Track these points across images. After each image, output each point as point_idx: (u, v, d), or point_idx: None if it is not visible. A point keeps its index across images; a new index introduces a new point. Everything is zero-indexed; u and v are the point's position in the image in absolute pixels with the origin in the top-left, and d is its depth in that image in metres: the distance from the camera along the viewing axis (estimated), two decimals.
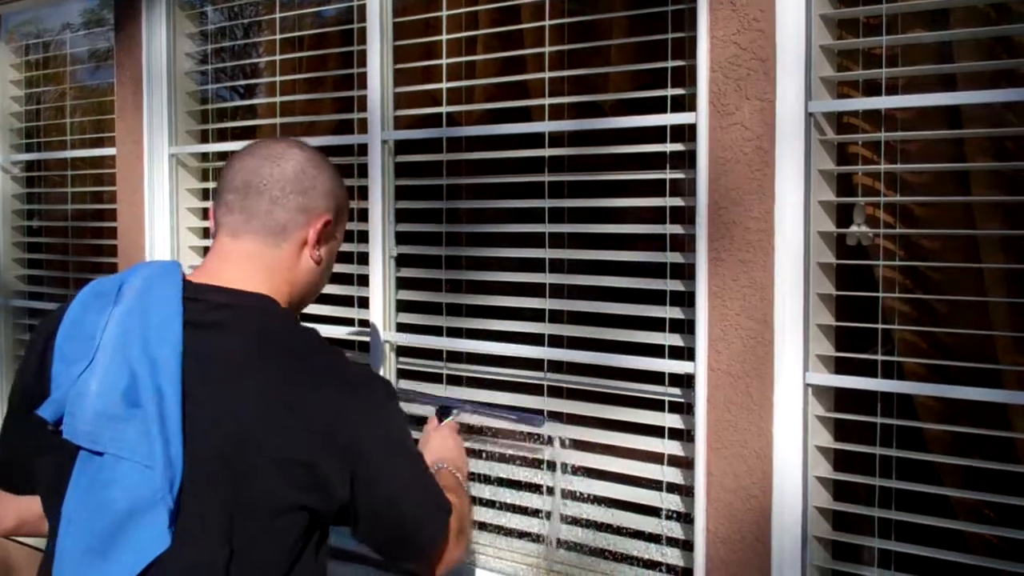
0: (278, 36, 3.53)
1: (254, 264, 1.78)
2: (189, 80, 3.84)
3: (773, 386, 2.42)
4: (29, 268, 4.69)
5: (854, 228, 2.45)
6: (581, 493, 2.87)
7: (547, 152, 2.87)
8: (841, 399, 2.48)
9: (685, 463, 2.66)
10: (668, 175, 2.64)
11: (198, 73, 3.84)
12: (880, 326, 2.36)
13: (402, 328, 3.20)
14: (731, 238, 2.46)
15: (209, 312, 1.69)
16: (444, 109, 3.10)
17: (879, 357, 2.37)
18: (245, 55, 3.78)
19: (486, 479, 3.06)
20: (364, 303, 3.22)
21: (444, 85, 3.08)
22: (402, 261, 3.20)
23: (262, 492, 1.60)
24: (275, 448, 1.60)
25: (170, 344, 1.62)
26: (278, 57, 3.52)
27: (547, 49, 2.89)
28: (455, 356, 3.14)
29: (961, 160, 2.42)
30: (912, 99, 2.32)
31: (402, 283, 3.21)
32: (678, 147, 2.62)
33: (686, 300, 2.62)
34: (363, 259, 3.22)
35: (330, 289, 3.37)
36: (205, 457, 1.59)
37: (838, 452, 2.47)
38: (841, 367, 2.45)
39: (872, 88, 2.44)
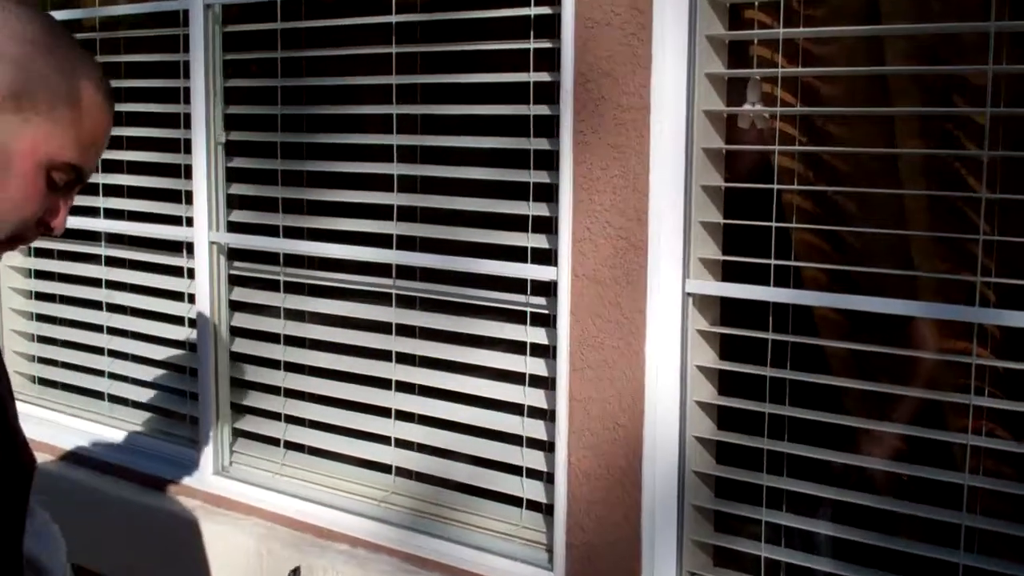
0: None
1: None
2: None
3: (646, 296, 2.03)
4: None
5: (747, 107, 2.05)
6: (432, 417, 2.48)
7: (395, 18, 2.41)
8: (728, 311, 2.12)
9: (549, 384, 2.27)
10: (532, 44, 2.21)
11: None
12: (774, 224, 1.97)
13: (234, 228, 2.75)
14: (600, 118, 2.05)
15: None
16: None
17: (772, 261, 1.98)
18: None
19: (327, 400, 2.66)
20: (192, 198, 2.76)
21: None
22: (233, 149, 2.74)
23: None
24: None
25: None
26: None
27: None
28: (295, 260, 2.70)
29: (875, 22, 2.02)
30: None
31: (233, 175, 2.75)
32: (544, 10, 2.19)
33: (554, 194, 2.21)
34: (188, 147, 2.75)
35: (152, 182, 2.91)
36: None
37: (723, 373, 2.12)
38: (728, 273, 2.08)
39: None
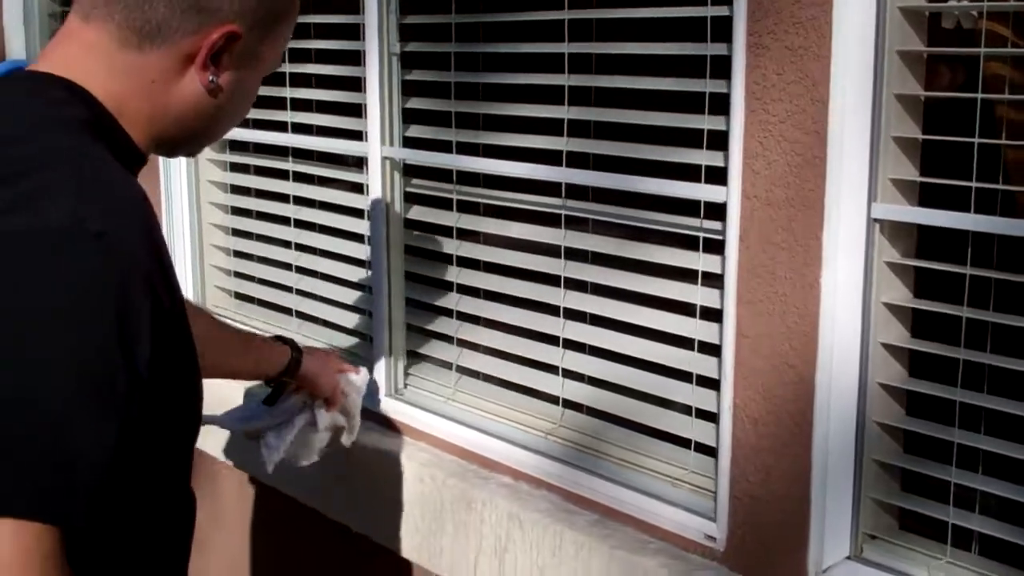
0: None
1: (97, 62, 1.23)
2: None
3: (823, 220, 1.78)
4: None
5: (952, 2, 1.74)
6: (603, 349, 2.31)
7: None
8: (925, 241, 1.82)
9: (721, 317, 2.05)
10: None
11: None
12: (978, 140, 1.67)
13: (411, 144, 2.64)
14: (776, 15, 1.79)
15: None
16: None
17: (974, 184, 1.68)
18: None
19: (499, 326, 2.53)
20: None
21: None
22: (410, 61, 2.62)
23: None
24: None
25: None
26: None
27: None
28: (470, 179, 2.57)
29: None
30: None
31: (410, 88, 2.63)
32: None
33: (728, 105, 1.97)
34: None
35: (332, 95, 2.83)
36: None
37: (917, 313, 1.83)
38: (926, 197, 1.79)
39: None
